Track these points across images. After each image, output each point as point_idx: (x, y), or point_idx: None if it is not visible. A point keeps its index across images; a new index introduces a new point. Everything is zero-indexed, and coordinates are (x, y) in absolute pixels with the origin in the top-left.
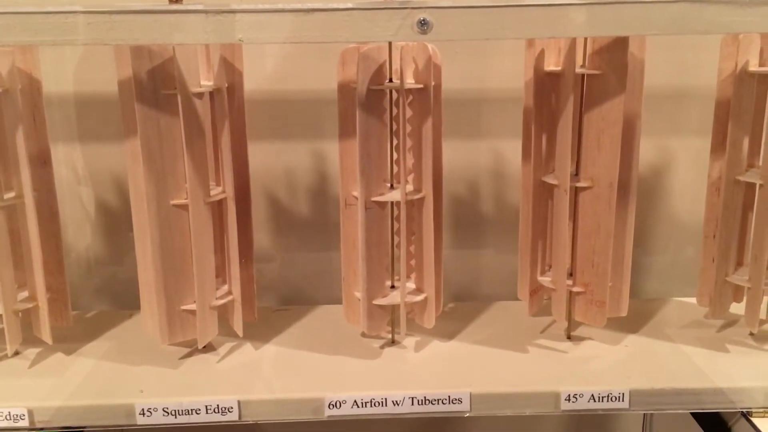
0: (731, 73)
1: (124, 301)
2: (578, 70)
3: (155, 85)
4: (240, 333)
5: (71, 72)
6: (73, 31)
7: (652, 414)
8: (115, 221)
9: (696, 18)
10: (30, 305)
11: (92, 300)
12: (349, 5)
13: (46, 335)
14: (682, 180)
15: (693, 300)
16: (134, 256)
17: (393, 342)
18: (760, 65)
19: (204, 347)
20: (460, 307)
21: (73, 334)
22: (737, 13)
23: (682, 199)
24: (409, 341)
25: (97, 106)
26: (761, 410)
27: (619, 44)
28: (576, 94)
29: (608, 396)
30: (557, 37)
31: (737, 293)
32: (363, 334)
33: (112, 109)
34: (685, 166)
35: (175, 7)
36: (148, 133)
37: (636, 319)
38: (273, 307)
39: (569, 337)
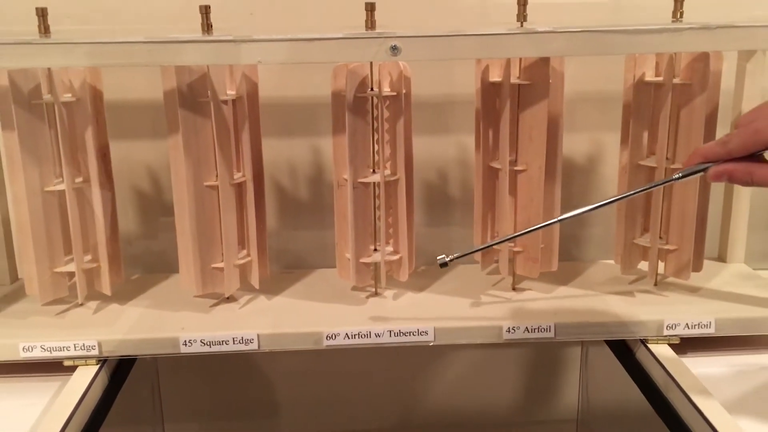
0: (632, 82)
1: (157, 268)
2: (513, 81)
3: (193, 94)
4: (257, 286)
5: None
6: (137, 56)
7: (587, 350)
8: (149, 204)
9: (595, 43)
10: (94, 265)
11: (131, 268)
12: (340, 35)
13: (106, 288)
14: (610, 166)
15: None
16: (165, 232)
17: (376, 293)
18: (656, 76)
19: (228, 297)
20: (430, 269)
21: (124, 291)
22: (627, 39)
23: (612, 181)
24: (389, 293)
25: (129, 111)
26: (654, 338)
27: (543, 62)
28: (512, 99)
29: (538, 328)
30: (494, 58)
31: (646, 254)
32: (353, 288)
33: (143, 113)
34: (612, 154)
35: (211, 37)
36: (188, 130)
37: (568, 275)
38: (280, 270)
39: (514, 289)
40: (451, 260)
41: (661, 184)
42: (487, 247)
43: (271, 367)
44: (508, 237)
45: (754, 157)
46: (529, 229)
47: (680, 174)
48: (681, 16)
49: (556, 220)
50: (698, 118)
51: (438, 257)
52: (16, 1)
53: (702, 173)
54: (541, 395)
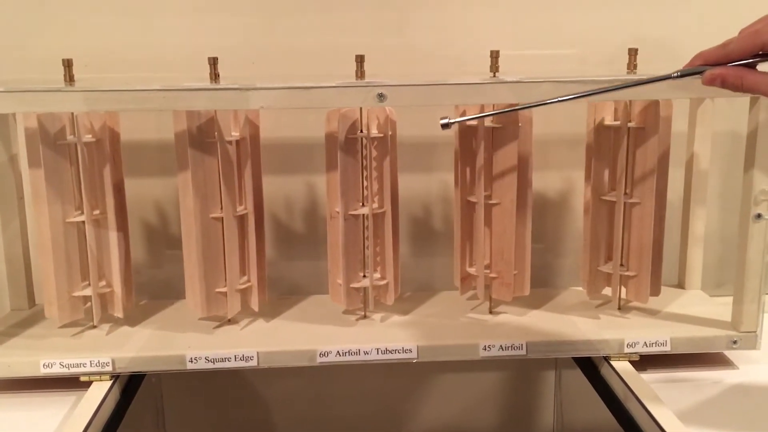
0: (594, 126)
1: (163, 295)
2: (487, 124)
3: (202, 135)
4: (256, 309)
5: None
6: (153, 101)
7: (560, 372)
8: (155, 237)
9: (558, 91)
10: (108, 290)
11: (138, 295)
12: (333, 84)
13: (119, 311)
14: (579, 200)
15: None
16: (170, 263)
17: (365, 316)
18: (614, 120)
19: (230, 320)
20: (415, 295)
21: (133, 315)
22: (585, 88)
23: (581, 214)
24: (377, 316)
25: (139, 150)
26: (616, 355)
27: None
28: (486, 141)
29: (512, 346)
30: (469, 104)
31: (610, 280)
32: (344, 312)
33: (152, 153)
34: (581, 190)
35: (220, 86)
36: (196, 167)
37: (540, 300)
38: (278, 296)
39: (491, 312)
40: (453, 123)
41: (659, 80)
42: (487, 116)
43: (267, 389)
44: (516, 108)
45: (747, 66)
46: (533, 104)
47: (679, 73)
48: (635, 67)
49: (557, 99)
50: (652, 157)
51: (441, 119)
52: (43, 52)
53: (698, 75)
54: (519, 416)
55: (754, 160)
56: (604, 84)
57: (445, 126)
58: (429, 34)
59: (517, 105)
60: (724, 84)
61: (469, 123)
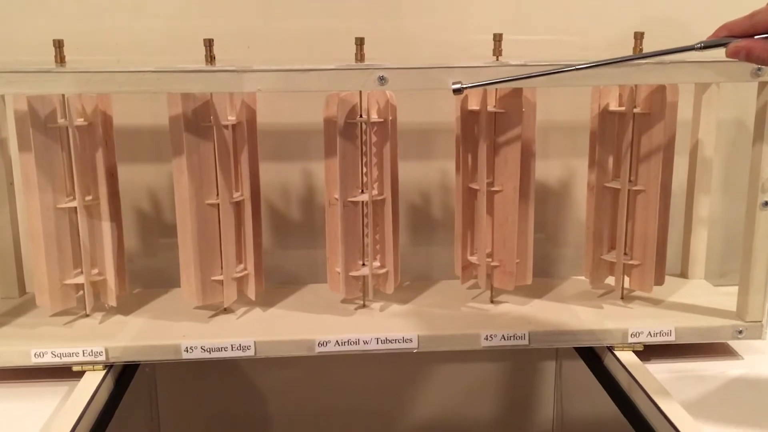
0: (598, 112)
1: (156, 284)
2: (490, 109)
3: (197, 119)
4: (253, 298)
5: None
6: (148, 83)
7: (561, 363)
8: (149, 224)
9: (563, 76)
10: (101, 278)
11: (131, 283)
12: (332, 67)
13: (112, 300)
14: (580, 189)
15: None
16: (163, 251)
17: (364, 305)
18: (619, 106)
19: (226, 309)
20: (415, 284)
21: (127, 303)
22: (591, 73)
23: (582, 202)
24: (376, 305)
25: (132, 135)
26: (620, 345)
27: (516, 92)
28: (489, 126)
29: (514, 336)
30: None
31: (613, 269)
32: (343, 301)
33: (146, 138)
34: (582, 178)
35: (215, 67)
36: (191, 152)
37: (543, 290)
38: (274, 285)
39: (492, 301)
40: (465, 87)
41: (682, 50)
42: (505, 81)
43: (264, 380)
44: (536, 74)
45: None
46: (555, 70)
47: (702, 44)
48: (640, 52)
49: (582, 66)
50: (657, 144)
51: (453, 83)
52: (33, 34)
53: (723, 47)
54: (519, 406)
55: (762, 147)
56: (607, 66)
57: (456, 91)
58: (430, 18)
59: (521, 99)
60: (749, 57)
61: (471, 108)
